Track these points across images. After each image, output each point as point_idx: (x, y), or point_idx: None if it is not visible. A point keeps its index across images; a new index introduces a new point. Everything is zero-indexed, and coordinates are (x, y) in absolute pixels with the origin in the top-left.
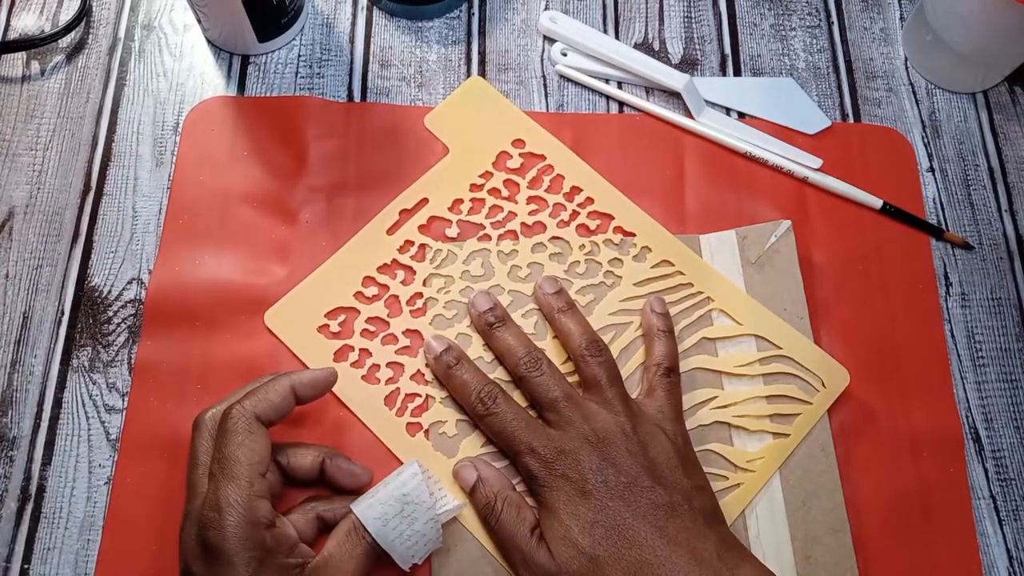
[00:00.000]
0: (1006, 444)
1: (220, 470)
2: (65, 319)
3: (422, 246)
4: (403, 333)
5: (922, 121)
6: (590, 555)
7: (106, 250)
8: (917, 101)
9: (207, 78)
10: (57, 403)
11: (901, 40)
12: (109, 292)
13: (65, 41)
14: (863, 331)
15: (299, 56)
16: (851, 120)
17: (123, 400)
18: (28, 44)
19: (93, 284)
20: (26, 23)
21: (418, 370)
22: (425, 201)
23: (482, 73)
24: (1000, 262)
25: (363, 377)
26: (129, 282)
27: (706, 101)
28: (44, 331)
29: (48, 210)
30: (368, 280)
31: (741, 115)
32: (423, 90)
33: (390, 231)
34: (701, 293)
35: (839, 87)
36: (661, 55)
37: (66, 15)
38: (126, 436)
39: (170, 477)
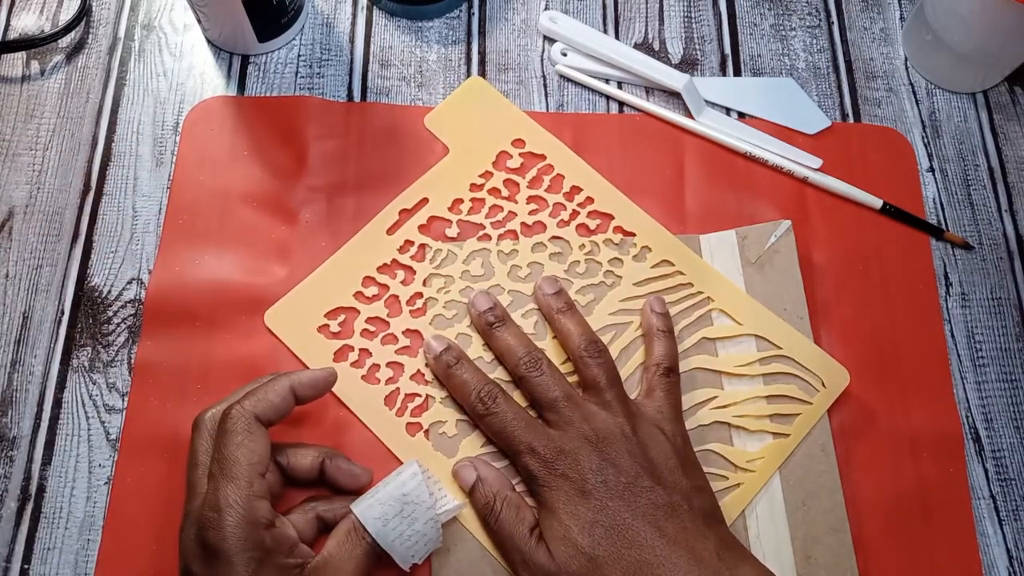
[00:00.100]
0: (1006, 444)
1: (220, 470)
2: (65, 319)
3: (422, 246)
4: (403, 333)
5: (922, 121)
6: (589, 555)
7: (106, 250)
8: (917, 101)
9: (207, 78)
10: (57, 403)
11: (901, 40)
12: (109, 292)
13: (65, 41)
14: (863, 331)
15: (299, 56)
16: (851, 120)
17: (123, 400)
18: (28, 44)
19: (93, 284)
20: (26, 23)
21: (418, 370)
22: (425, 201)
23: (482, 73)
24: (1000, 262)
25: (363, 377)
26: (129, 282)
27: (706, 101)
28: (44, 331)
29: (48, 210)
30: (368, 280)
31: (741, 115)
32: (423, 90)
33: (390, 231)
34: (701, 293)
35: (839, 87)
36: (661, 55)
37: (66, 15)
38: (126, 436)
39: (170, 477)
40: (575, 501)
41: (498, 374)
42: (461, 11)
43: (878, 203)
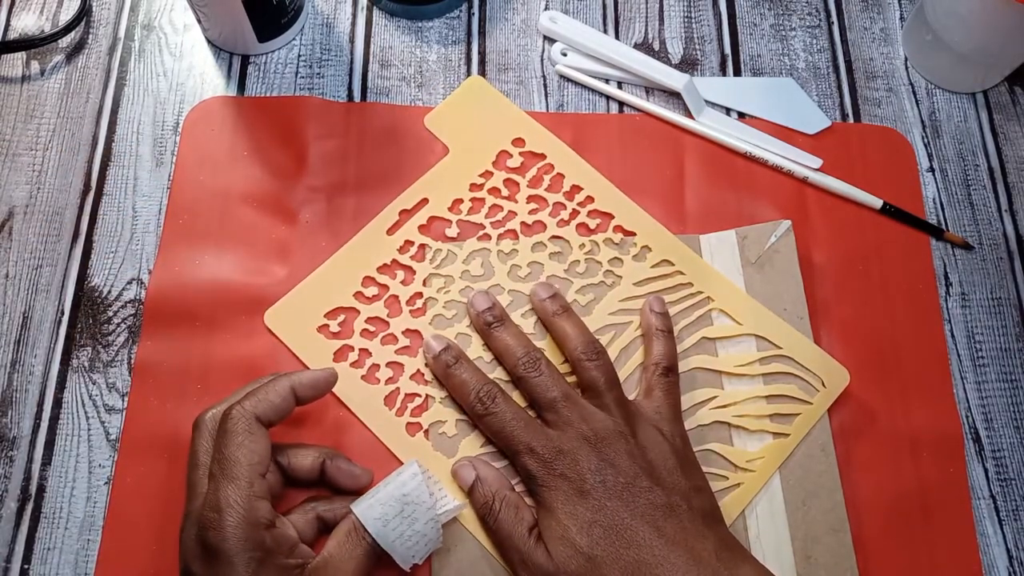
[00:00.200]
0: (1006, 444)
1: (220, 471)
2: (65, 319)
3: (422, 246)
4: (403, 333)
5: (922, 121)
6: (588, 555)
7: (106, 250)
8: (917, 101)
9: (207, 78)
10: (57, 403)
11: (901, 40)
12: (109, 292)
13: (65, 41)
14: (863, 331)
15: (299, 56)
16: (851, 120)
17: (123, 400)
18: (28, 44)
19: (93, 284)
20: (26, 23)
21: (418, 370)
22: (425, 201)
23: (482, 73)
24: (1000, 262)
25: (363, 377)
26: (129, 282)
27: (706, 101)
28: (44, 331)
29: (48, 210)
30: (368, 280)
31: (741, 115)
32: (423, 90)
33: (390, 231)
34: (701, 293)
35: (839, 87)
36: (661, 55)
37: (66, 15)
38: (126, 436)
39: (170, 477)
40: (574, 501)
41: (497, 374)
42: (461, 11)
43: (878, 203)
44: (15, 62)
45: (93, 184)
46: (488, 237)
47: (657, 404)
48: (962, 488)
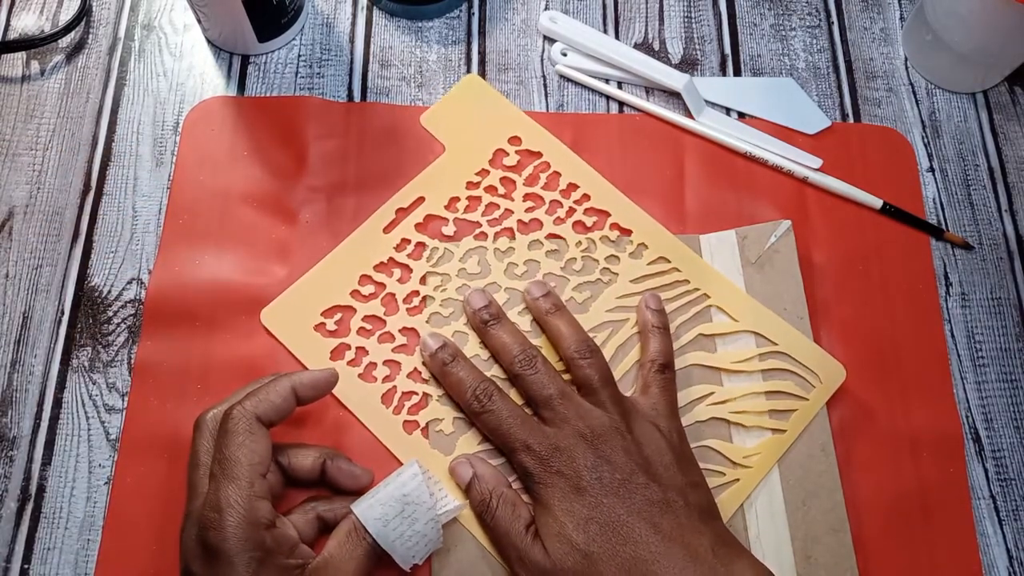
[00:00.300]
0: (1006, 444)
1: (221, 471)
2: (65, 319)
3: (419, 244)
4: (400, 331)
5: (922, 121)
6: (585, 551)
7: (106, 250)
8: (917, 101)
9: (207, 78)
10: (57, 403)
11: (901, 40)
12: (109, 292)
13: (65, 41)
14: (863, 331)
15: (299, 56)
16: (851, 120)
17: (123, 400)
18: (28, 44)
19: (93, 284)
20: (26, 23)
21: (415, 368)
22: (421, 199)
23: (482, 73)
24: (1000, 262)
25: (360, 375)
26: (129, 282)
27: (706, 101)
28: (44, 331)
29: (48, 210)
30: (364, 278)
31: (741, 115)
32: (423, 90)
33: (386, 229)
34: (698, 290)
35: (839, 87)
36: (661, 55)
37: (66, 15)
38: (126, 436)
39: (170, 477)
40: (570, 498)
41: (494, 372)
42: (461, 11)
43: (878, 203)
44: (15, 62)
45: (93, 184)
46: (485, 235)
47: (653, 400)
48: (962, 488)
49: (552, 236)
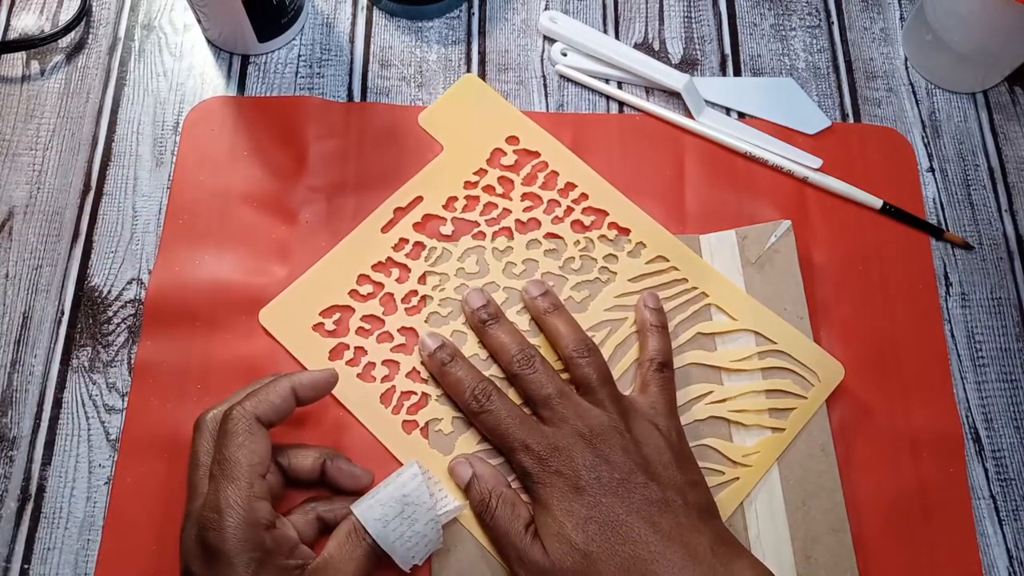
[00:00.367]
0: (1006, 444)
1: (220, 471)
2: (65, 319)
3: (417, 244)
4: (398, 331)
5: (922, 121)
6: (584, 551)
7: (106, 250)
8: (917, 101)
9: (207, 78)
10: (57, 403)
11: (901, 40)
12: (109, 292)
13: (65, 41)
14: (863, 331)
15: (299, 56)
16: (851, 120)
17: (123, 400)
18: (28, 44)
19: (93, 284)
20: (26, 23)
21: (414, 367)
22: (420, 199)
23: (482, 73)
24: (1000, 262)
25: (359, 375)
26: (129, 282)
27: (706, 101)
28: (44, 331)
29: (48, 210)
30: (363, 278)
31: (741, 115)
32: (423, 90)
33: (384, 229)
34: (696, 289)
35: (839, 87)
36: (661, 55)
37: (66, 15)
38: (126, 436)
39: (170, 477)
40: (569, 498)
41: (493, 371)
42: (461, 11)
43: (878, 203)
44: (15, 62)
45: (93, 184)
46: (483, 235)
47: (652, 399)
48: (962, 488)
49: (550, 235)
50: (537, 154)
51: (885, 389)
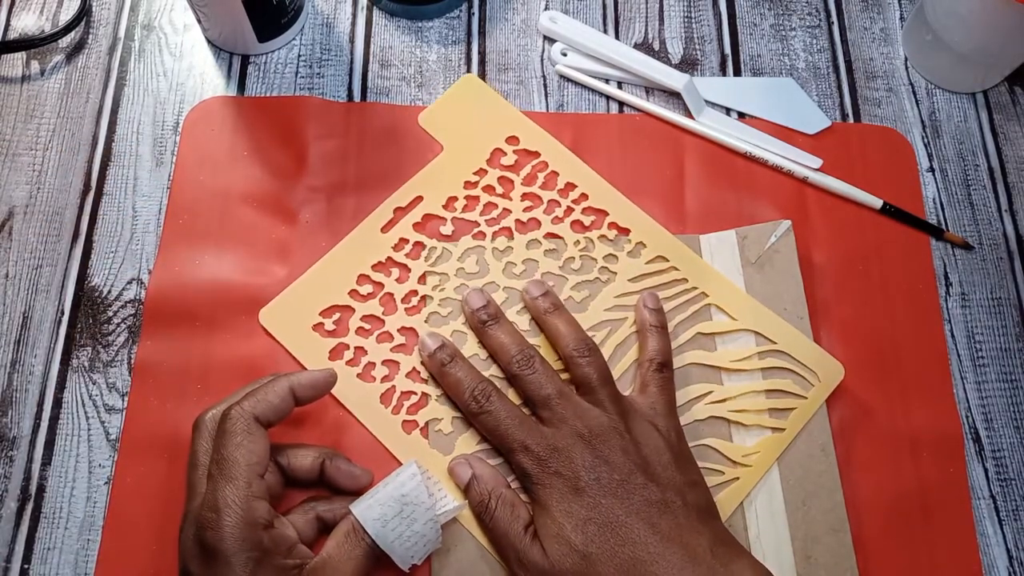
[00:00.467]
0: (1006, 444)
1: (218, 471)
2: (65, 319)
3: (417, 244)
4: (398, 331)
5: (922, 121)
6: (583, 552)
7: (106, 250)
8: (917, 101)
9: (207, 78)
10: (57, 403)
11: (901, 40)
12: (109, 292)
13: (65, 41)
14: (863, 331)
15: (299, 56)
16: (851, 120)
17: (123, 400)
18: (28, 44)
19: (93, 284)
20: (26, 23)
21: (413, 367)
22: (420, 199)
23: (482, 73)
24: (1000, 262)
25: (359, 375)
26: (129, 282)
27: (706, 101)
28: (44, 331)
29: (48, 210)
30: (363, 278)
31: (741, 115)
32: (423, 90)
33: (384, 229)
34: (696, 289)
35: (839, 87)
36: (661, 55)
37: (66, 15)
38: (126, 436)
39: (170, 477)
40: (568, 499)
41: (492, 371)
42: (461, 11)
43: (878, 203)
44: (15, 62)
45: (93, 184)
46: (483, 235)
47: (652, 400)
48: (962, 488)
49: (550, 235)
50: (537, 154)
51: (885, 389)
